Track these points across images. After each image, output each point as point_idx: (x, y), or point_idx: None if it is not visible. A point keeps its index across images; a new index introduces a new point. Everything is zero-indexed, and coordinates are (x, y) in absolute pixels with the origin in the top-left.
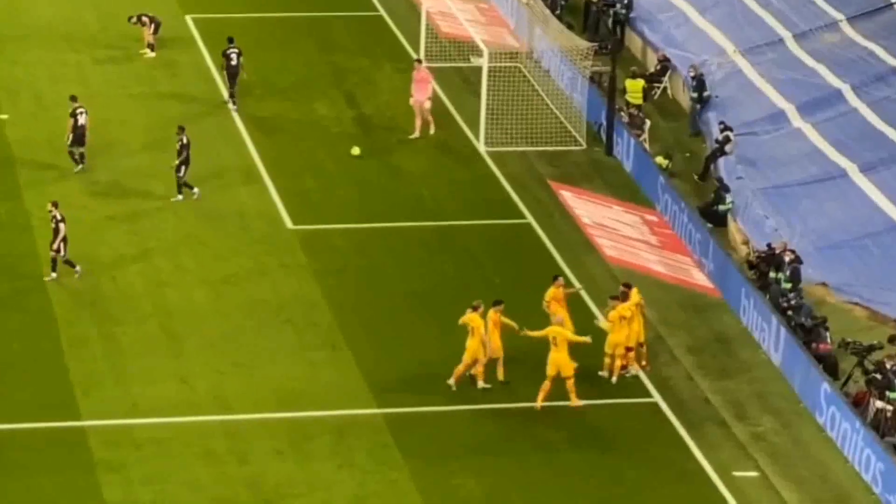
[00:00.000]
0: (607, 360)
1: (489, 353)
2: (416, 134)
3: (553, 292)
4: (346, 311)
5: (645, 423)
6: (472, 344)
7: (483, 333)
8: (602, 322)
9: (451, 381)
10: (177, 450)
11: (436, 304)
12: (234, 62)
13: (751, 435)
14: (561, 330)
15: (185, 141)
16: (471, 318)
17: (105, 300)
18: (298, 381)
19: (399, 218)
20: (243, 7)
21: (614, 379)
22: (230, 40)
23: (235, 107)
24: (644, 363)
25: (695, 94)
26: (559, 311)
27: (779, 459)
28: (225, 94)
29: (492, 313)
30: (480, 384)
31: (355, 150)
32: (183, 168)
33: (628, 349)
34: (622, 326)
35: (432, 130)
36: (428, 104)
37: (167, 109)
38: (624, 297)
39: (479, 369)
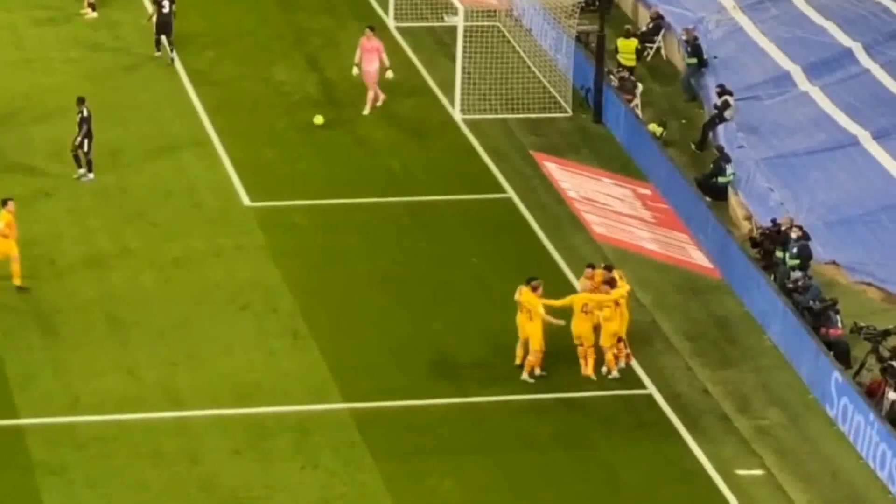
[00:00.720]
0: (610, 356)
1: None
2: (367, 110)
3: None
4: (309, 296)
5: (639, 417)
6: (534, 329)
7: (543, 315)
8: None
9: (526, 376)
10: (123, 450)
11: (408, 286)
12: (165, 10)
13: (755, 429)
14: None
15: (85, 114)
16: (528, 299)
17: (42, 284)
18: (257, 373)
19: (367, 193)
20: None
21: (615, 373)
22: None
23: (173, 58)
24: (611, 366)
25: (692, 60)
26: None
27: (786, 456)
28: (158, 49)
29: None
30: (525, 376)
31: (318, 119)
32: (86, 142)
33: (619, 339)
34: (589, 318)
35: (380, 102)
36: (389, 74)
37: (111, 75)
38: (611, 284)
39: (530, 360)
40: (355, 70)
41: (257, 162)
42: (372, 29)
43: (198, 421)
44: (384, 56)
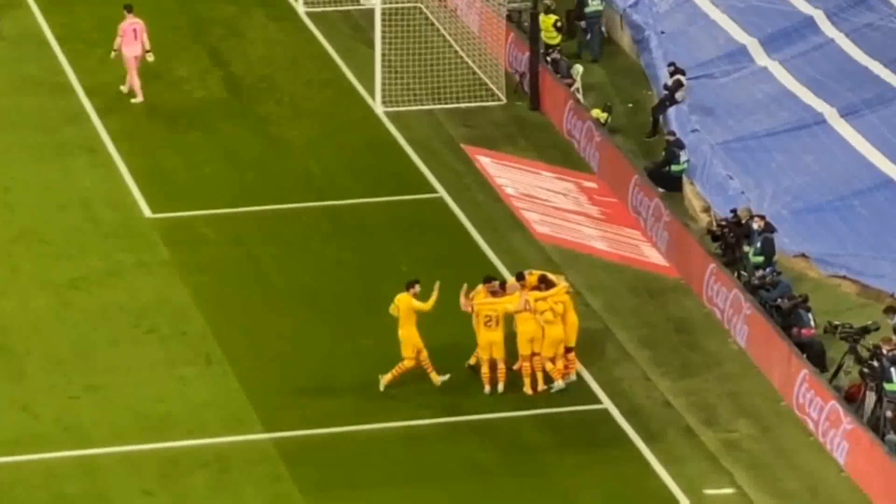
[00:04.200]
0: (527, 365)
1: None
2: (140, 97)
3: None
4: (222, 316)
5: (594, 435)
6: (554, 332)
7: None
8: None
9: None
10: (21, 495)
11: (331, 300)
12: None
13: (723, 443)
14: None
15: None
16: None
17: None
18: (167, 404)
19: (282, 199)
20: None
21: (559, 383)
22: None
23: None
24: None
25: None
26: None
27: (759, 471)
28: None
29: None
30: (552, 384)
31: None
32: None
33: (569, 349)
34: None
35: (139, 97)
36: (150, 57)
37: None
38: (548, 284)
39: (554, 366)
40: (113, 55)
41: (157, 169)
42: (129, 9)
43: (103, 459)
44: (145, 37)
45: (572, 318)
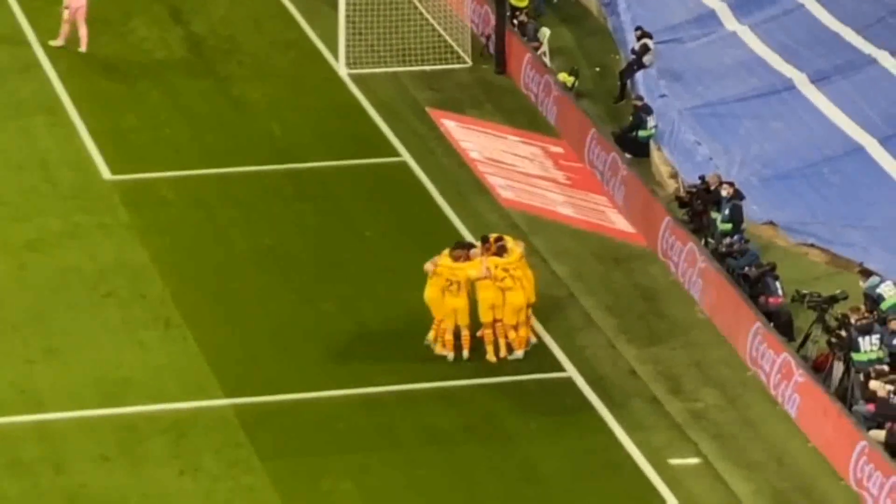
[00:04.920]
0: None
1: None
2: (84, 46)
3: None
4: (182, 279)
5: (557, 403)
6: (514, 298)
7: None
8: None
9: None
10: None
11: (293, 265)
12: None
13: (689, 413)
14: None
15: None
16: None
17: None
18: (125, 369)
19: (243, 161)
20: None
21: (519, 353)
22: None
23: None
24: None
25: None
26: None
27: (725, 442)
28: None
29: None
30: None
31: None
32: None
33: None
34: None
35: (84, 46)
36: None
37: None
38: (499, 251)
39: (516, 335)
40: (65, 13)
41: (117, 130)
42: None
43: (60, 424)
44: None
45: (529, 276)
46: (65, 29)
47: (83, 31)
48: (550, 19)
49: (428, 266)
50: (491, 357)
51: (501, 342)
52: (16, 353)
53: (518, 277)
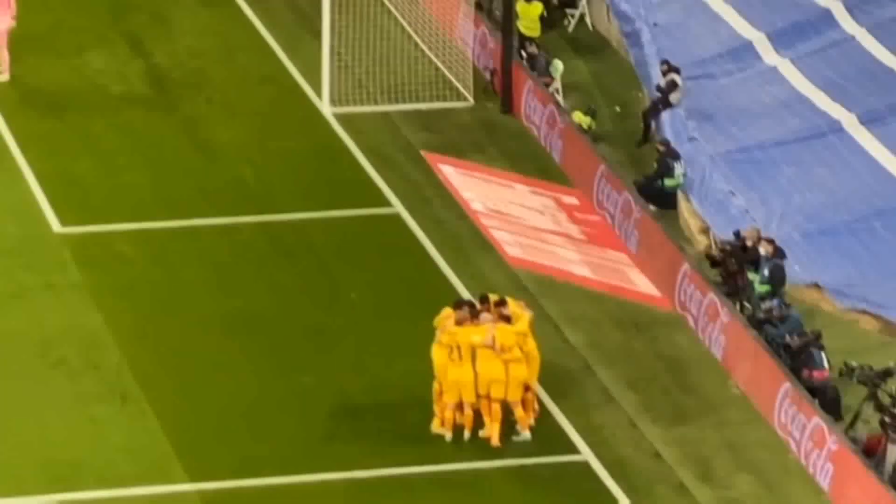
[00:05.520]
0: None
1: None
2: (6, 76)
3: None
4: (140, 347)
5: (572, 490)
6: (520, 372)
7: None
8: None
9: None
10: None
11: (268, 331)
12: None
13: (722, 502)
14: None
15: None
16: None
17: None
18: (77, 449)
19: (212, 211)
20: None
21: (526, 433)
22: None
23: None
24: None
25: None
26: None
27: None
28: None
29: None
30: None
31: None
32: None
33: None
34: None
35: (6, 76)
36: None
37: None
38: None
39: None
40: None
41: (69, 175)
42: None
43: None
44: (13, 5)
45: (534, 351)
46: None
47: (4, 55)
48: (564, 51)
49: (437, 322)
50: (490, 434)
51: (499, 422)
52: None
53: (527, 350)
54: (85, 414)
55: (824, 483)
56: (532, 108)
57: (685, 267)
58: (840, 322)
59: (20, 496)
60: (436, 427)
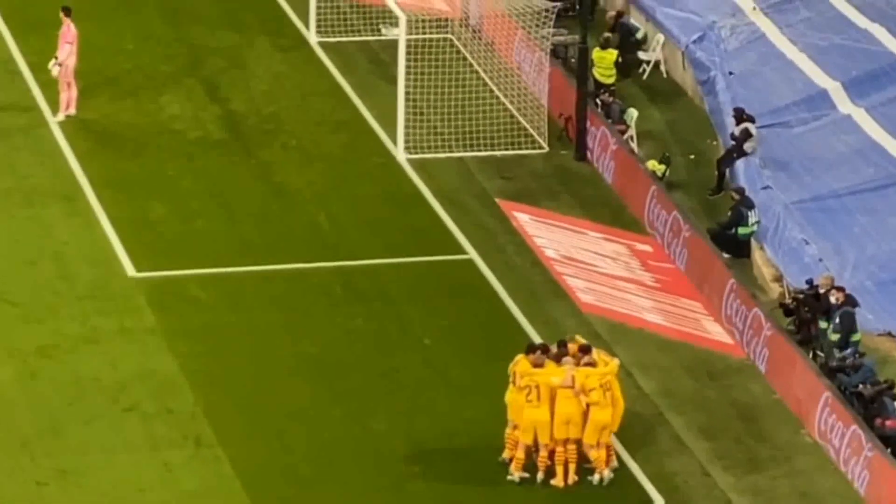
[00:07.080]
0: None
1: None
2: (63, 115)
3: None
4: (214, 391)
5: None
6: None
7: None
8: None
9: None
10: None
11: (340, 375)
12: None
13: None
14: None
15: None
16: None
17: None
18: (150, 493)
19: (286, 257)
20: None
21: (607, 476)
22: None
23: None
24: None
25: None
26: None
27: None
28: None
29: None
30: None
31: None
32: None
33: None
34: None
35: (73, 110)
36: (54, 70)
37: None
38: (584, 355)
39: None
40: (56, 69)
41: (144, 220)
42: (67, 11)
43: None
44: (72, 46)
45: (620, 401)
46: (67, 95)
47: (68, 95)
48: (639, 99)
49: (512, 368)
50: (559, 482)
51: (571, 467)
52: (24, 474)
53: (614, 394)
54: (158, 458)
55: None
56: (597, 151)
57: (731, 282)
58: None
59: None
60: (506, 455)
